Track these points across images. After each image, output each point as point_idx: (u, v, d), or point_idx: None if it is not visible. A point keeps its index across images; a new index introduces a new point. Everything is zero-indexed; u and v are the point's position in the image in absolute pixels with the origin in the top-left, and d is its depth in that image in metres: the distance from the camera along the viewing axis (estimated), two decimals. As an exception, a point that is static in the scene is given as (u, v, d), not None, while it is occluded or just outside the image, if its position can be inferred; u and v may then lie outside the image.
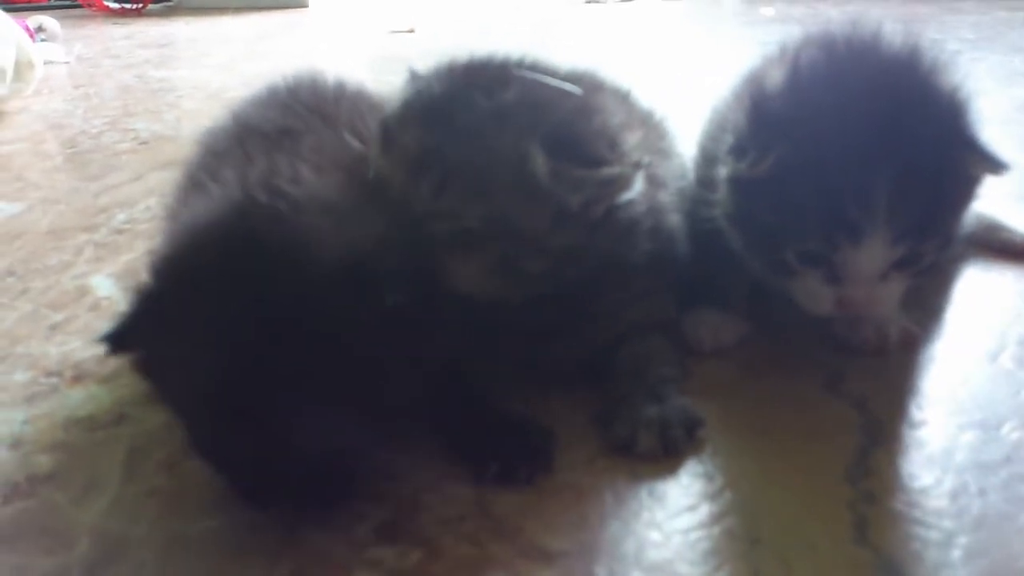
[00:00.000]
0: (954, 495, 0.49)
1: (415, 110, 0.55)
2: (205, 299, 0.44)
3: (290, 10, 3.50)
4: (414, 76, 0.59)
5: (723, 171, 0.60)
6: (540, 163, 0.51)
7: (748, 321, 0.67)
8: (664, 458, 0.52)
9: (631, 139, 0.56)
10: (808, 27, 0.65)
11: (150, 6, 3.59)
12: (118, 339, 0.48)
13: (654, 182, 0.60)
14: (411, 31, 2.65)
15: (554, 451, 0.53)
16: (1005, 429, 0.54)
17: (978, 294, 0.73)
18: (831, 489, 0.50)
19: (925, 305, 0.68)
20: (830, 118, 0.54)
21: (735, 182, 0.58)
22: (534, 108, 0.53)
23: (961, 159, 0.55)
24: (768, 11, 2.84)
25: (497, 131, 0.52)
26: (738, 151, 0.56)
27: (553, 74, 0.59)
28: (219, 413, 0.43)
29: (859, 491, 0.49)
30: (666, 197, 0.62)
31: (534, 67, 0.58)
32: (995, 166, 0.55)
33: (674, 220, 0.62)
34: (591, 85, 0.63)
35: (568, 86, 0.56)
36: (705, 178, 0.68)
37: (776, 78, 0.58)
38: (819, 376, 0.62)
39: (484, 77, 0.55)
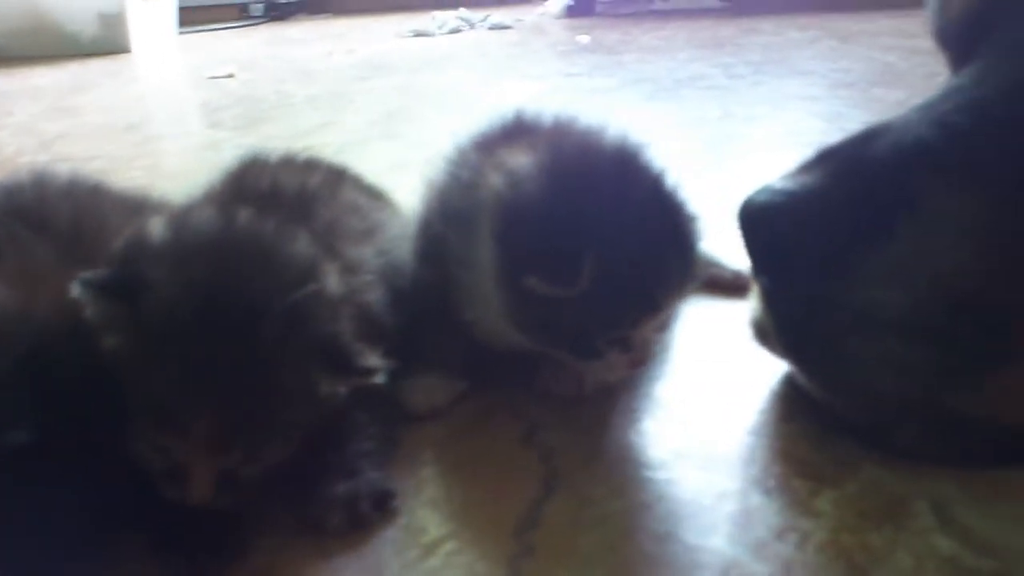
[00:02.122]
0: (606, 545, 0.54)
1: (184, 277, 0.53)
2: None
3: (112, 56, 3.40)
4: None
5: (491, 286, 0.62)
6: (324, 382, 0.55)
7: (462, 380, 0.71)
8: (353, 533, 0.56)
9: (331, 278, 0.59)
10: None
11: (-43, 59, 3.41)
12: None
13: (350, 270, 0.63)
14: (230, 76, 2.63)
15: (245, 538, 0.55)
16: (660, 473, 0.61)
17: (689, 332, 0.80)
18: (500, 545, 0.54)
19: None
20: (604, 219, 0.58)
21: (541, 298, 0.59)
22: (298, 319, 0.53)
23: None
24: (583, 39, 2.97)
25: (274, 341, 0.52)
26: (546, 273, 0.58)
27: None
28: None
29: (522, 545, 0.54)
30: (366, 278, 0.65)
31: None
32: None
33: (375, 296, 0.66)
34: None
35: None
36: (430, 255, 0.72)
37: (529, 188, 0.61)
38: (518, 429, 0.67)
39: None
